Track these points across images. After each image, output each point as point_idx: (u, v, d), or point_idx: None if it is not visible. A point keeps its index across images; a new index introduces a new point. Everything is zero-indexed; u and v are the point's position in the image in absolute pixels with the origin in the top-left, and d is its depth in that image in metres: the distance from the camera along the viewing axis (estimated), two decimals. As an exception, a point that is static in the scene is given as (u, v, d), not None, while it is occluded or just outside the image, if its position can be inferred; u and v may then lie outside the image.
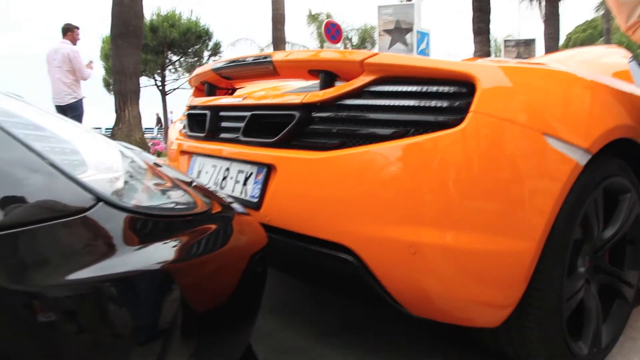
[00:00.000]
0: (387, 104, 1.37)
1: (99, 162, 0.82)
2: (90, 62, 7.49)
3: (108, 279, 0.71)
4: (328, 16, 26.73)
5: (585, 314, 1.64)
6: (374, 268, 1.34)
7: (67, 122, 0.92)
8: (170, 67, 22.52)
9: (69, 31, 7.00)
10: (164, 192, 0.94)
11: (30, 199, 0.66)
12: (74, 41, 7.06)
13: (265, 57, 1.72)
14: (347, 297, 1.86)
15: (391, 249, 1.30)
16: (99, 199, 0.73)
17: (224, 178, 1.74)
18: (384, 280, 1.35)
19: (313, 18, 28.27)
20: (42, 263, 0.65)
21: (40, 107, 0.92)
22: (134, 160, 0.96)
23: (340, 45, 12.84)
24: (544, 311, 1.41)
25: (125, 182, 0.83)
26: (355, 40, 28.59)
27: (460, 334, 1.80)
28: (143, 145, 9.78)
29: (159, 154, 11.52)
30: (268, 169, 1.55)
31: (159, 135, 23.47)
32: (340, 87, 1.46)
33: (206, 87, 2.15)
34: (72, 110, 6.89)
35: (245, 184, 1.63)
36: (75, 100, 6.98)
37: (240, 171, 1.67)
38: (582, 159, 1.38)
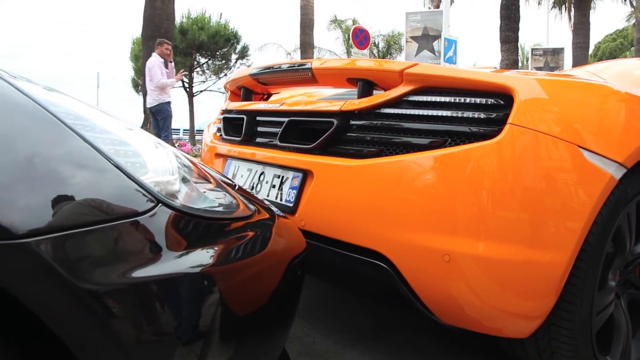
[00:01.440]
0: (425, 113, 1.39)
1: (157, 164, 0.86)
2: (181, 71, 8.46)
3: (162, 279, 0.74)
4: (354, 22, 26.72)
5: (615, 328, 1.63)
6: (406, 275, 1.36)
7: (125, 124, 0.96)
8: (197, 69, 22.73)
9: (159, 45, 7.95)
10: (213, 195, 0.97)
11: (99, 199, 0.70)
12: (162, 54, 7.86)
13: (305, 65, 1.76)
14: (378, 302, 1.87)
15: (425, 256, 1.32)
16: (158, 200, 0.77)
17: (259, 182, 1.78)
18: (416, 287, 1.36)
19: (338, 24, 28.29)
20: (109, 260, 0.68)
21: (102, 109, 0.97)
22: (184, 163, 0.99)
23: (366, 51, 12.84)
24: (574, 324, 1.41)
25: (180, 185, 0.86)
26: (381, 46, 28.53)
27: (488, 343, 1.80)
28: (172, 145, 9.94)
29: (185, 155, 11.62)
30: (304, 175, 1.58)
31: (184, 136, 23.70)
32: (379, 96, 1.49)
33: (242, 91, 2.19)
34: (158, 114, 7.74)
35: (280, 188, 1.66)
36: (157, 103, 7.70)
37: (276, 176, 1.70)
38: (616, 173, 1.38)
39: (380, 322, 2.11)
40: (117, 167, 0.75)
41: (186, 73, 8.42)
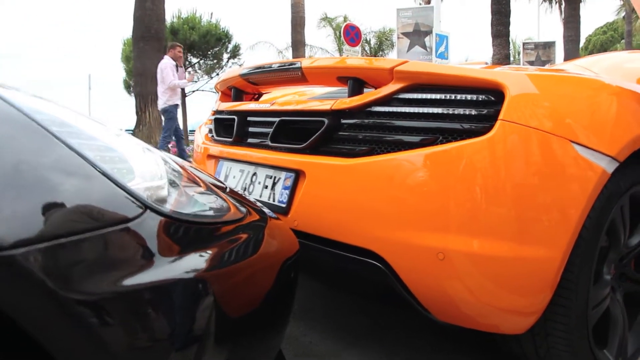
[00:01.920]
0: (415, 111, 1.39)
1: (144, 169, 0.84)
2: (192, 73, 8.36)
3: (152, 286, 0.73)
4: (345, 19, 26.69)
5: (611, 322, 1.63)
6: (401, 273, 1.35)
7: (112, 129, 0.94)
8: (189, 69, 22.67)
9: (171, 48, 8.17)
10: (203, 199, 0.96)
11: (86, 207, 0.69)
12: (174, 57, 8.06)
13: (294, 64, 1.75)
14: (374, 302, 1.86)
15: (419, 255, 1.31)
16: (146, 206, 0.75)
17: (252, 183, 1.77)
18: (411, 286, 1.36)
19: (329, 21, 28.27)
20: (97, 269, 0.67)
21: (86, 114, 0.95)
22: (173, 167, 0.98)
23: (358, 48, 12.83)
24: (570, 319, 1.41)
25: (169, 190, 0.85)
26: (373, 43, 28.53)
27: (483, 340, 1.80)
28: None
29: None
30: (296, 175, 1.57)
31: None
32: (369, 94, 1.48)
33: (233, 92, 2.17)
34: (165, 114, 7.97)
35: (273, 189, 1.65)
36: (165, 105, 7.90)
37: (268, 176, 1.69)
38: (609, 167, 1.38)
39: (375, 322, 2.11)
40: (104, 173, 0.73)
41: (197, 74, 8.79)
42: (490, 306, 1.33)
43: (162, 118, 8.16)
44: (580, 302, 1.42)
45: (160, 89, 7.93)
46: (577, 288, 1.40)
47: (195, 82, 22.02)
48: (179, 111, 8.18)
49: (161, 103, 7.95)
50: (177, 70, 8.02)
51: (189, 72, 8.52)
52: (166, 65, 7.84)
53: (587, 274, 1.42)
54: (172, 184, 0.89)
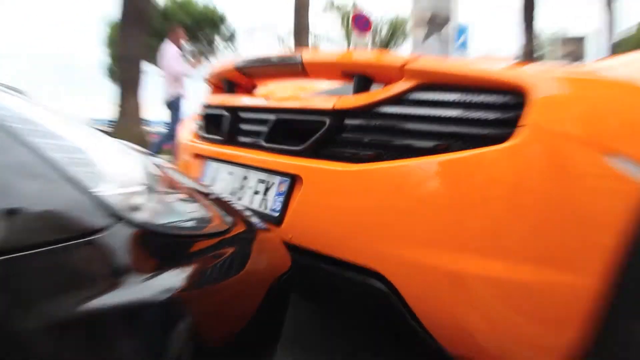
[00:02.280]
0: (428, 113, 1.37)
1: (116, 174, 0.83)
2: (198, 58, 8.45)
3: (122, 307, 0.71)
4: (354, 5, 26.77)
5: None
6: (407, 297, 1.33)
7: (82, 128, 0.93)
8: (187, 54, 22.85)
9: (172, 32, 8.09)
10: (183, 208, 0.95)
11: (46, 216, 0.67)
12: (176, 41, 8.01)
13: (295, 57, 1.73)
14: (375, 328, 1.84)
15: (428, 277, 1.29)
16: (116, 216, 0.74)
17: (241, 187, 1.75)
18: (419, 312, 1.34)
19: (337, 9, 28.39)
20: (57, 288, 0.65)
21: (52, 109, 0.93)
22: (150, 171, 0.96)
23: (368, 37, 12.84)
24: (604, 358, 1.38)
25: (145, 198, 0.84)
26: (385, 32, 28.64)
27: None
28: (144, 138, 10.14)
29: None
30: (292, 180, 1.56)
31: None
32: (377, 93, 1.47)
33: (225, 84, 2.16)
34: (171, 107, 7.95)
35: (265, 195, 1.64)
36: (171, 98, 7.89)
37: (260, 181, 1.68)
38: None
39: (365, 342, 2.09)
40: (68, 178, 0.72)
41: (200, 59, 8.83)
42: (511, 339, 1.30)
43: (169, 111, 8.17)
44: (617, 337, 1.38)
45: (164, 79, 7.95)
46: (614, 321, 1.36)
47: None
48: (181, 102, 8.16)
49: (167, 95, 7.96)
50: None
51: (185, 56, 8.46)
52: (168, 52, 7.84)
53: (626, 305, 1.38)
54: (148, 190, 0.88)
